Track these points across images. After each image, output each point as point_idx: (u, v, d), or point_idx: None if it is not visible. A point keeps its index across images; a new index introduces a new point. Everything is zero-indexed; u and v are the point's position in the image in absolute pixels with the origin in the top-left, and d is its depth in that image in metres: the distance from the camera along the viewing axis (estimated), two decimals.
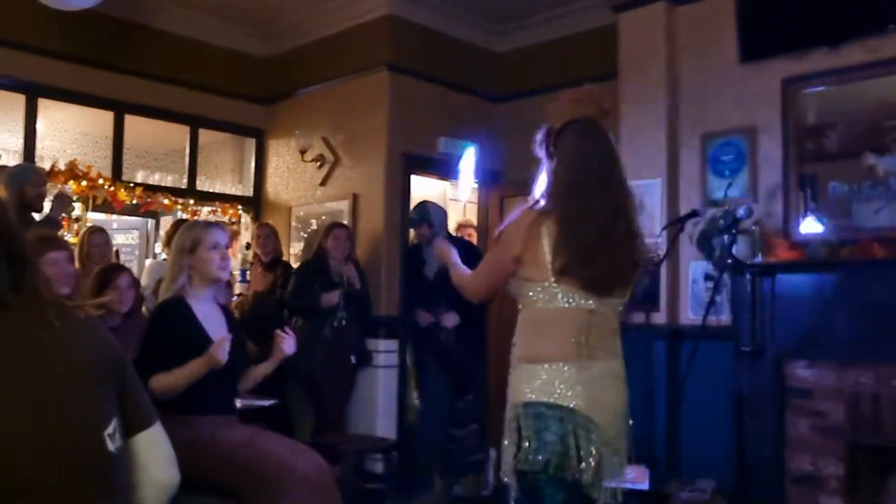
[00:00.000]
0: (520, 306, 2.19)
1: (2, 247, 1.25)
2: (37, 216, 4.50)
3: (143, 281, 5.16)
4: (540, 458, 2.02)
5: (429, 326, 4.85)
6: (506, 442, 2.10)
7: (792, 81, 4.17)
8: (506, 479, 2.11)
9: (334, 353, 4.92)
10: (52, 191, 4.97)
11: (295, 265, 5.88)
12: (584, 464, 2.01)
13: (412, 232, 5.41)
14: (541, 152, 2.23)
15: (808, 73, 4.12)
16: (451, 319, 4.76)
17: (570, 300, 2.09)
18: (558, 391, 2.04)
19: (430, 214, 4.93)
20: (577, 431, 2.02)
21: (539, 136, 2.24)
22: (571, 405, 2.03)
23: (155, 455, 1.44)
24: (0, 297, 1.23)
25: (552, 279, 2.08)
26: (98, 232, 4.77)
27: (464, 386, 5.06)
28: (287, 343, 3.00)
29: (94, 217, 5.90)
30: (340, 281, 4.89)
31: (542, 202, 2.17)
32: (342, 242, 4.94)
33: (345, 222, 5.75)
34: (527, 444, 2.04)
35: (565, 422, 2.02)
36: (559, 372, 2.06)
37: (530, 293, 2.13)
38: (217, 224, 3.07)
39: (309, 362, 4.73)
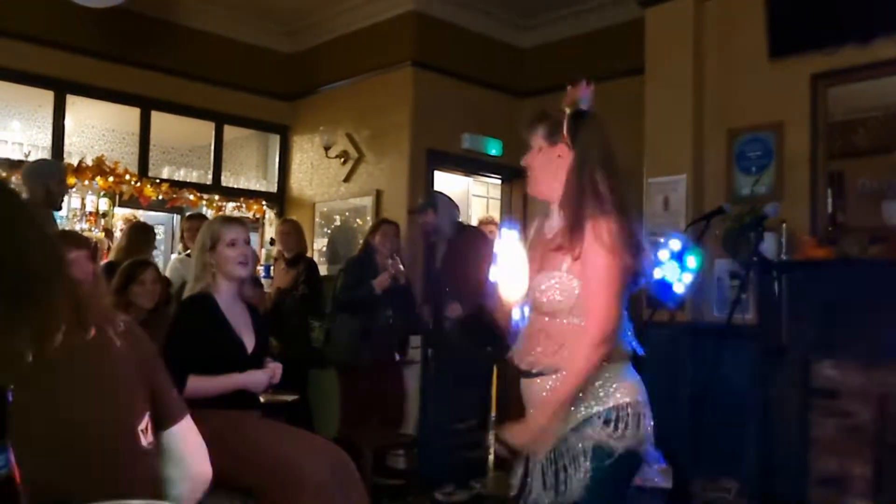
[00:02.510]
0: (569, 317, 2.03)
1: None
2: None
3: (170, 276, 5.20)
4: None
5: (434, 318, 4.85)
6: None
7: (821, 77, 4.11)
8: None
9: (380, 351, 4.93)
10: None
11: (319, 261, 5.92)
12: None
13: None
14: (553, 139, 2.09)
15: (838, 68, 4.05)
16: (454, 309, 4.72)
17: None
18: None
19: (437, 201, 4.87)
20: None
21: (554, 120, 2.10)
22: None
23: (187, 449, 1.46)
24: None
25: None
26: (141, 228, 4.84)
27: (465, 379, 5.00)
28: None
29: (121, 213, 5.97)
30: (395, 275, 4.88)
31: (586, 203, 2.02)
32: (390, 238, 4.92)
33: (368, 218, 5.77)
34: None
35: None
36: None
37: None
38: (236, 219, 3.05)
39: (355, 359, 4.76)
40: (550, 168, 2.09)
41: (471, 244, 4.92)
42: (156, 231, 5.08)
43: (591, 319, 1.98)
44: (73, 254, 2.93)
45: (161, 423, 1.38)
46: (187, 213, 5.87)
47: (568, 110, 2.09)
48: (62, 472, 1.18)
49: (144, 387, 1.34)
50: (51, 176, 4.33)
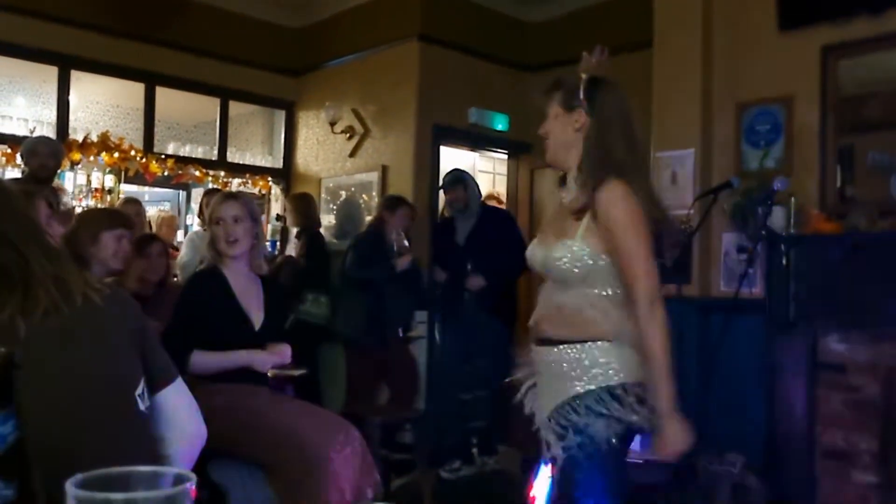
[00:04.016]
0: (589, 288, 2.00)
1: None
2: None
3: (183, 250, 5.22)
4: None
5: (454, 290, 4.86)
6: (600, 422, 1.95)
7: (832, 49, 4.06)
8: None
9: (389, 327, 4.94)
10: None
11: (324, 233, 5.94)
12: None
13: (442, 204, 5.39)
14: (570, 106, 2.05)
15: (849, 40, 4.00)
16: (475, 282, 4.76)
17: None
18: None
19: (466, 178, 4.95)
20: None
21: (570, 86, 2.06)
22: None
23: (180, 409, 1.49)
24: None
25: None
26: (130, 203, 4.87)
27: (475, 350, 5.02)
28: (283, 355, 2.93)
29: (127, 189, 5.97)
30: (399, 252, 4.87)
31: (594, 171, 1.99)
32: (406, 221, 4.93)
33: (374, 194, 5.77)
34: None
35: None
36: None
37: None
38: (230, 196, 3.00)
39: (368, 335, 4.78)
40: (568, 135, 2.05)
41: (498, 222, 5.03)
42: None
43: (636, 283, 1.92)
44: (121, 231, 2.99)
45: (153, 386, 1.40)
46: (206, 188, 5.88)
47: (584, 76, 2.06)
48: (64, 440, 1.20)
49: (136, 350, 1.36)
50: (33, 153, 4.37)
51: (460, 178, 4.98)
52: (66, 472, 0.68)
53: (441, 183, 5.25)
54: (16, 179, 4.51)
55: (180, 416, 1.49)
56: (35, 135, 5.34)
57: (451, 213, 5.17)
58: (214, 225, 2.86)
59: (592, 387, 1.96)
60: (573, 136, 2.05)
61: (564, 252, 2.00)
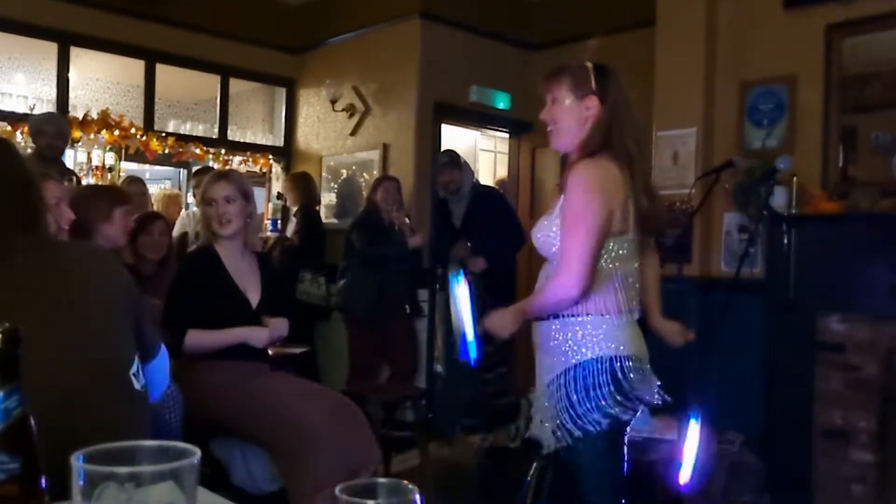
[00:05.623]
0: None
1: (12, 192, 1.26)
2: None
3: (176, 226, 5.23)
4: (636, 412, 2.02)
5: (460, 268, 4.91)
6: (591, 396, 1.98)
7: (836, 28, 4.03)
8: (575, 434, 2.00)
9: (395, 305, 4.98)
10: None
11: (326, 216, 5.94)
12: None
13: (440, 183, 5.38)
14: (582, 92, 2.08)
15: (854, 19, 3.98)
16: (478, 264, 4.80)
17: (633, 252, 2.08)
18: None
19: (461, 160, 4.96)
20: None
21: (579, 73, 2.09)
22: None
23: (159, 378, 1.54)
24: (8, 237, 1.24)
25: (631, 232, 2.04)
26: (135, 182, 4.87)
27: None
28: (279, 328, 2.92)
29: (127, 167, 5.96)
30: (395, 231, 4.89)
31: (595, 149, 2.03)
32: (391, 194, 4.93)
33: (375, 172, 5.76)
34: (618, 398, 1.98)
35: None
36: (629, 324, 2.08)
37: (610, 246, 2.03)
38: (222, 175, 2.96)
39: (377, 313, 4.81)
40: (579, 121, 2.08)
41: (491, 203, 5.01)
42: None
43: (561, 258, 1.98)
44: (126, 208, 3.02)
45: (142, 360, 1.40)
46: (195, 168, 5.88)
47: (590, 64, 2.09)
48: (61, 420, 1.19)
49: (130, 326, 1.35)
50: (38, 129, 4.35)
51: (456, 160, 4.99)
52: (65, 448, 0.68)
53: (435, 163, 5.26)
54: None
55: (157, 382, 1.53)
56: (35, 112, 5.33)
57: (444, 196, 5.18)
58: (206, 205, 2.84)
59: (587, 358, 1.99)
60: (583, 123, 2.08)
61: (540, 228, 2.08)
